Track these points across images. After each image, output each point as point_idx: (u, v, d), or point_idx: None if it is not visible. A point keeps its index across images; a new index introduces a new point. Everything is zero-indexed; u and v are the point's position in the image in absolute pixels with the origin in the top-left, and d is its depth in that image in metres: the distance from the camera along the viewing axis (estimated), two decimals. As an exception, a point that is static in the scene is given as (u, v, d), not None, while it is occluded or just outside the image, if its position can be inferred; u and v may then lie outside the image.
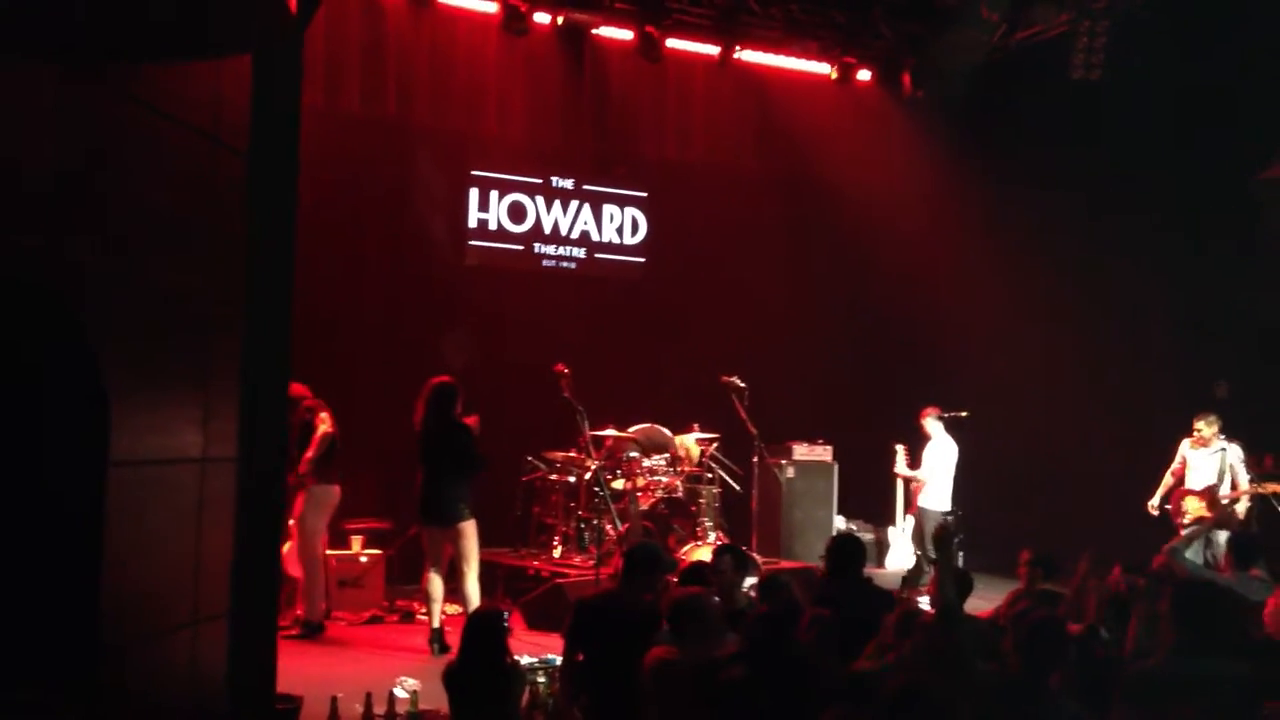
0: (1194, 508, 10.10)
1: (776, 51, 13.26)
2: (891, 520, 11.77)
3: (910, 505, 11.54)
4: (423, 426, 8.62)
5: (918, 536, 11.26)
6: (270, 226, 5.00)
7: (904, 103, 13.46)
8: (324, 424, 8.99)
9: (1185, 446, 10.32)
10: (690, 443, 11.22)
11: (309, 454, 8.90)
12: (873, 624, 5.62)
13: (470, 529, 8.57)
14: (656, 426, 11.16)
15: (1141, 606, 5.82)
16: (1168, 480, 10.40)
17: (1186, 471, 10.30)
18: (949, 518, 11.51)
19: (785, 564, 10.50)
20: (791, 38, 13.11)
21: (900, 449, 11.43)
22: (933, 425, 11.25)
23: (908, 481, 11.49)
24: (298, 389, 8.79)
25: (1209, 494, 10.06)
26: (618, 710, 5.63)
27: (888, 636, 5.19)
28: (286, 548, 8.80)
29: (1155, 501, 10.45)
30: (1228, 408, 10.58)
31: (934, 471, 11.19)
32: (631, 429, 11.01)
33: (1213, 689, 4.50)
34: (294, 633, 8.72)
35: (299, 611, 8.99)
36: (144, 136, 4.08)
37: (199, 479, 4.45)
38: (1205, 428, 10.15)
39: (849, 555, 6.64)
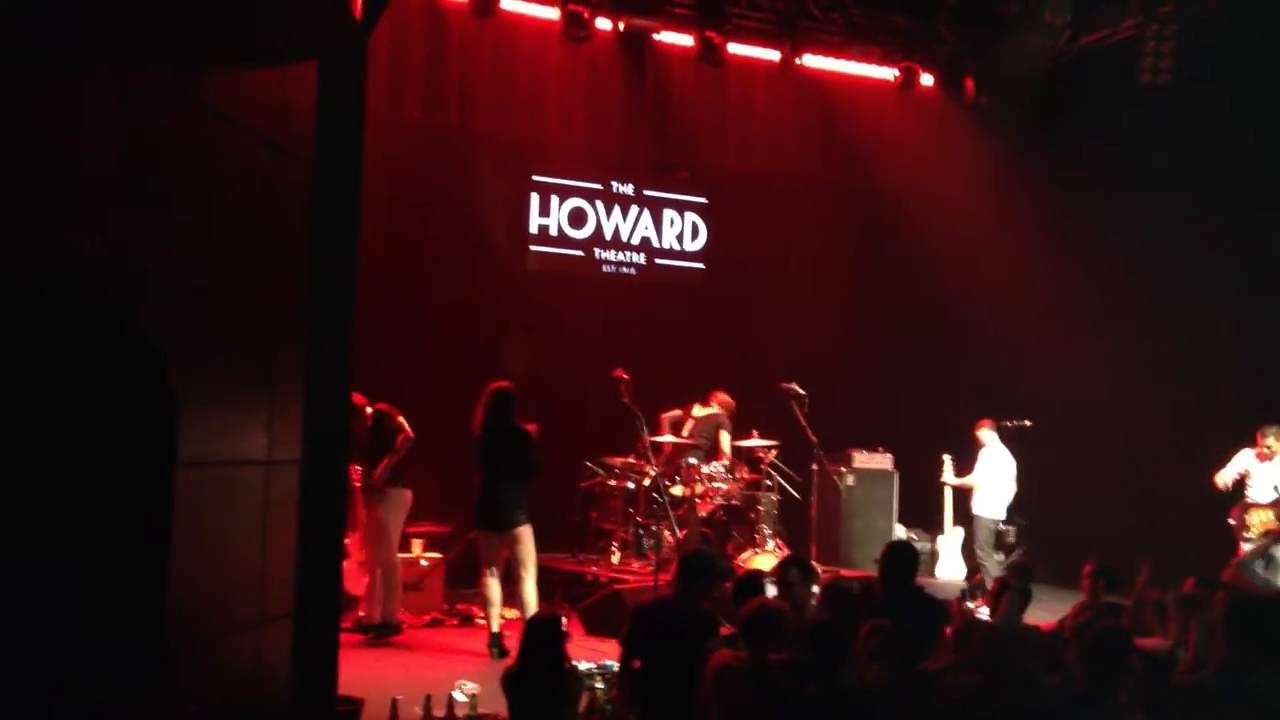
0: (1261, 521, 9.90)
1: (838, 56, 13.21)
2: (942, 529, 11.73)
3: (958, 515, 11.51)
4: (482, 431, 8.66)
5: (971, 543, 11.24)
6: (333, 232, 5.05)
7: (967, 108, 13.34)
8: (405, 428, 9.10)
9: (1249, 458, 10.09)
10: (725, 397, 11.32)
11: (392, 459, 9.01)
12: (924, 632, 5.58)
13: (527, 534, 8.60)
14: (705, 416, 11.19)
15: (1202, 618, 5.73)
16: (1228, 478, 10.14)
17: (1249, 484, 10.08)
18: (1004, 526, 11.48)
19: (844, 573, 10.42)
20: (853, 43, 13.05)
21: (948, 459, 11.41)
22: (988, 435, 11.32)
23: (956, 491, 11.47)
24: (356, 398, 8.90)
25: (1277, 507, 9.87)
26: (676, 716, 5.62)
27: (948, 647, 5.14)
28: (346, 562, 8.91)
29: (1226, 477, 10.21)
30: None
31: (987, 478, 11.19)
32: (685, 432, 11.08)
33: (1266, 705, 4.41)
34: (363, 637, 8.81)
35: (360, 613, 9.07)
36: (210, 142, 4.13)
37: (264, 481, 4.50)
38: (1276, 441, 9.92)
39: (901, 563, 6.61)
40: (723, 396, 11.37)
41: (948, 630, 5.48)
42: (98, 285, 3.60)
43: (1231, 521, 10.04)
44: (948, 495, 11.57)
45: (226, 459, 4.22)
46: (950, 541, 11.64)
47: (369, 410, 9.13)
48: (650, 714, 5.81)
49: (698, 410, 11.34)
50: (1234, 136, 11.38)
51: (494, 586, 8.63)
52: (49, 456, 3.44)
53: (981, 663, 4.83)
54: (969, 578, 11.37)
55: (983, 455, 11.33)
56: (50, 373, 3.47)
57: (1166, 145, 11.75)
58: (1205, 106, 11.38)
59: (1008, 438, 11.62)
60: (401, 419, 9.13)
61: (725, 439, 11.20)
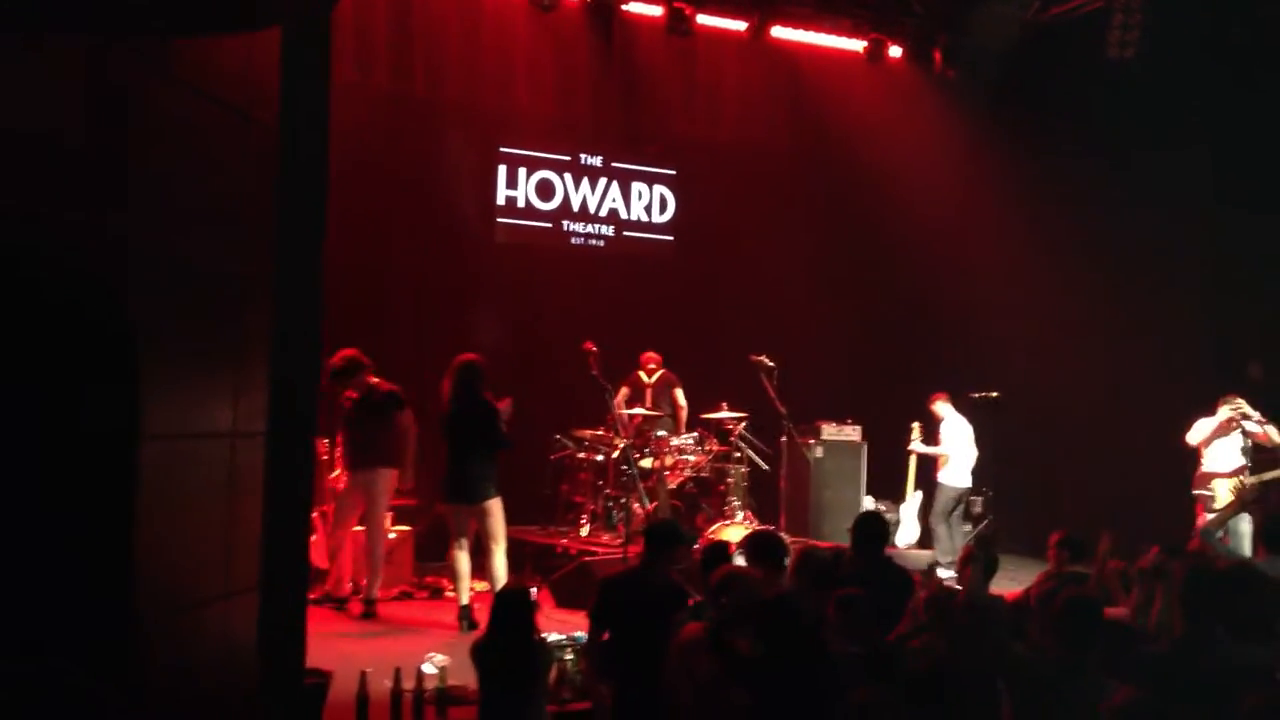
0: (1224, 490, 9.97)
1: (808, 28, 13.17)
2: (904, 496, 11.86)
3: (920, 483, 11.63)
4: (450, 404, 8.62)
5: (931, 510, 11.38)
6: (300, 201, 4.99)
7: (935, 80, 13.34)
8: (413, 425, 9.08)
9: (1210, 427, 10.13)
10: (654, 354, 11.45)
11: (411, 459, 9.00)
12: (893, 602, 5.61)
13: (496, 506, 8.58)
14: (658, 381, 11.26)
15: (1165, 588, 5.79)
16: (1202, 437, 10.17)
17: (1205, 453, 10.14)
18: (972, 496, 11.60)
19: (813, 544, 10.47)
20: (824, 14, 13.03)
21: (916, 426, 11.51)
22: (944, 408, 11.47)
23: (920, 460, 11.58)
24: (360, 359, 8.83)
25: (1238, 476, 9.94)
26: (645, 687, 5.63)
27: (920, 616, 5.17)
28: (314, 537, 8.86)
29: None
30: (1261, 388, 10.44)
31: (952, 450, 11.32)
32: (648, 403, 11.11)
33: (1225, 675, 4.45)
34: (334, 611, 8.79)
35: (328, 586, 9.05)
36: (177, 111, 4.08)
37: (230, 453, 4.46)
38: (1234, 410, 9.99)
39: (872, 533, 6.67)
40: (652, 354, 11.46)
41: (917, 600, 5.51)
42: (60, 255, 3.55)
43: (1196, 493, 10.11)
44: (912, 462, 11.69)
45: (192, 432, 4.18)
46: (910, 507, 11.79)
47: (373, 380, 9.00)
48: (621, 685, 5.82)
49: (645, 378, 11.37)
50: (1200, 105, 11.43)
51: (463, 559, 8.61)
52: (7, 429, 3.39)
53: (948, 632, 4.86)
54: (923, 543, 11.54)
55: (944, 429, 11.46)
56: (10, 344, 3.42)
57: (1133, 115, 11.80)
58: (1171, 76, 11.42)
59: (974, 409, 11.71)
60: (410, 411, 9.05)
61: (680, 395, 11.37)
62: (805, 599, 5.72)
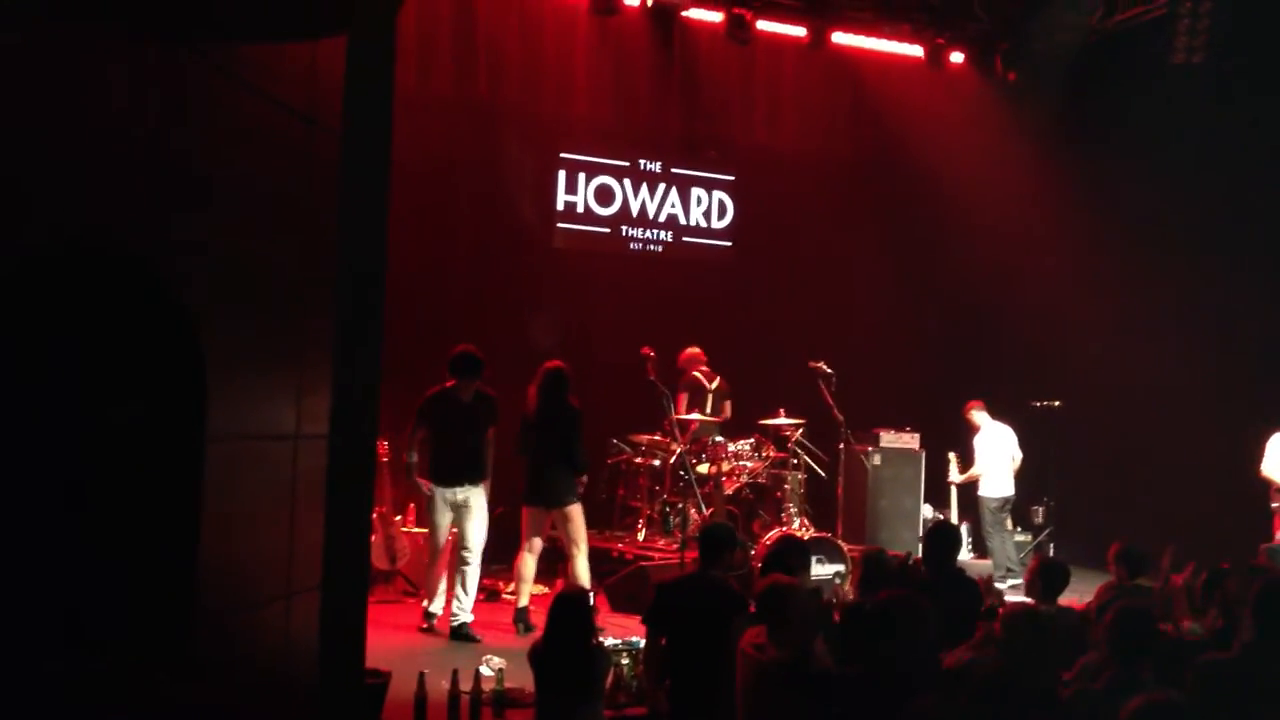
0: None
1: (868, 34, 13.11)
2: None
3: (964, 515, 11.45)
4: (536, 409, 8.62)
5: (976, 525, 11.27)
6: (362, 207, 5.03)
7: (998, 87, 13.22)
8: None
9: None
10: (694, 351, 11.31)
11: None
12: (961, 612, 5.56)
13: (576, 512, 8.59)
14: (717, 388, 11.22)
15: (1233, 600, 5.72)
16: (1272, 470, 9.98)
17: None
18: (1011, 502, 11.43)
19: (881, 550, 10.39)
20: (884, 20, 12.96)
21: (953, 457, 11.38)
22: (980, 416, 11.37)
23: (961, 488, 11.43)
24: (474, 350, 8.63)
25: None
26: (701, 692, 5.63)
27: (995, 630, 5.11)
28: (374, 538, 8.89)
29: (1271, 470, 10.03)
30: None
31: (987, 463, 11.20)
32: (708, 409, 11.07)
33: None
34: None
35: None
36: (243, 114, 4.12)
37: (293, 455, 4.50)
38: None
39: (945, 543, 6.62)
40: (701, 352, 11.41)
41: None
42: (121, 257, 3.60)
43: (1275, 506, 9.92)
44: (954, 495, 11.51)
45: (256, 433, 4.22)
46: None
47: (478, 388, 8.57)
48: (678, 689, 5.82)
49: (706, 382, 11.30)
50: (1267, 110, 11.24)
51: (530, 563, 8.63)
52: (81, 429, 3.45)
53: (1013, 646, 4.80)
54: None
55: (978, 441, 11.36)
56: (82, 345, 3.48)
57: (1200, 121, 11.62)
58: (1238, 81, 11.24)
59: (1036, 417, 11.56)
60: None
61: (729, 407, 11.37)
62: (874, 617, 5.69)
